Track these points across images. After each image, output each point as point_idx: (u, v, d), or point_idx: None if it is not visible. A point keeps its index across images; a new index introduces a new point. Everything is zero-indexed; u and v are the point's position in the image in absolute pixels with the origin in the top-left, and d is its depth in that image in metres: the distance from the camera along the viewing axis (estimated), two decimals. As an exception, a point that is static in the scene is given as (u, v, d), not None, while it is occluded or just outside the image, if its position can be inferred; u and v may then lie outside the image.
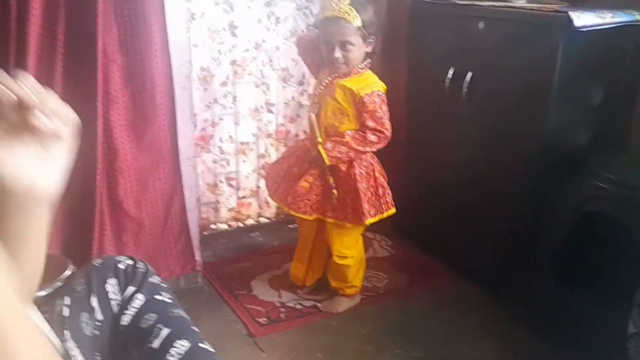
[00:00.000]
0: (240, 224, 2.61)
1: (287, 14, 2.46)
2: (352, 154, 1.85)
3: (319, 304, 2.07)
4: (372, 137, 1.83)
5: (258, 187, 2.62)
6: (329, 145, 1.84)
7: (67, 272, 1.11)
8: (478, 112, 2.14)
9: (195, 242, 2.11)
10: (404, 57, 2.41)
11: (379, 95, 1.83)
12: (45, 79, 1.66)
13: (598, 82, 1.99)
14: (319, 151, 1.84)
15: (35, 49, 1.63)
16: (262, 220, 2.67)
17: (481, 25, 2.09)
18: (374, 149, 1.88)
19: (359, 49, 1.80)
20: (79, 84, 1.71)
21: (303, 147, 1.99)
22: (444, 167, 2.34)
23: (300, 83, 2.58)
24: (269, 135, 2.57)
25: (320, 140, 1.86)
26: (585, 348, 1.74)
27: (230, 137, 2.49)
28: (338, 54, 1.79)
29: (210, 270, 2.25)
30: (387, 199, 1.94)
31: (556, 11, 1.87)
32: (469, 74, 2.13)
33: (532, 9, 1.99)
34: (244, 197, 2.60)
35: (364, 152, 1.87)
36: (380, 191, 1.92)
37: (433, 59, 2.30)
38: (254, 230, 2.61)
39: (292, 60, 2.53)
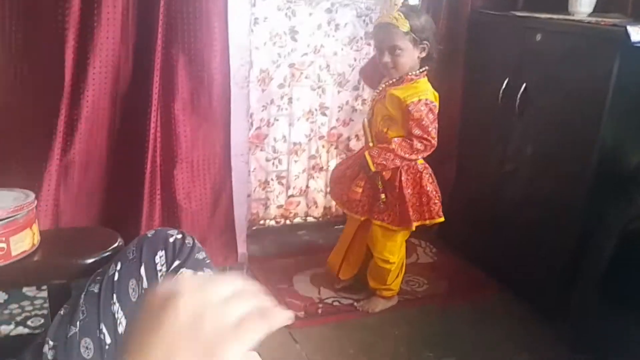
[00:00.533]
0: (288, 222, 2.71)
1: (347, 20, 2.54)
2: (397, 162, 1.88)
3: (356, 303, 2.12)
4: (418, 145, 1.86)
5: (307, 186, 2.71)
6: (374, 152, 1.90)
7: (115, 244, 1.21)
8: (530, 124, 2.13)
9: (242, 236, 2.21)
10: (461, 67, 2.43)
11: (426, 104, 1.84)
12: (115, 74, 1.82)
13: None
14: (365, 157, 1.90)
15: (110, 49, 1.77)
16: (310, 219, 2.75)
17: (538, 37, 2.08)
18: (420, 157, 1.91)
19: (409, 53, 1.84)
20: (143, 78, 1.85)
21: (360, 152, 2.06)
22: (493, 178, 2.33)
23: (356, 88, 2.65)
24: (321, 137, 2.65)
25: (370, 144, 1.93)
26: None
27: (284, 137, 2.59)
28: (387, 58, 1.84)
29: (255, 264, 2.35)
30: (433, 207, 1.95)
31: (614, 25, 1.84)
32: (523, 86, 2.12)
33: (589, 23, 1.97)
34: (292, 195, 2.69)
35: (410, 160, 1.90)
36: (425, 199, 1.94)
37: (489, 71, 2.30)
38: (300, 229, 2.69)
39: (348, 65, 2.60)
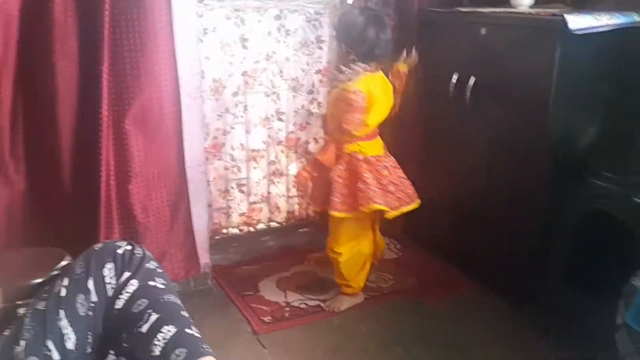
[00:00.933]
0: (251, 229, 2.69)
1: (296, 26, 2.55)
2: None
3: (322, 304, 2.12)
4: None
5: (269, 192, 2.70)
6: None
7: (63, 263, 1.19)
8: (483, 116, 2.17)
9: (204, 247, 2.20)
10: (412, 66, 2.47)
11: (352, 92, 1.92)
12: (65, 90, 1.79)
13: (599, 83, 2.00)
14: None
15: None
16: (273, 224, 2.74)
17: (483, 31, 2.13)
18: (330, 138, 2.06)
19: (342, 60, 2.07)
20: (87, 94, 1.83)
21: None
22: (453, 171, 2.37)
23: (310, 92, 2.66)
24: (279, 143, 2.66)
25: None
26: (592, 345, 1.76)
27: (242, 145, 2.58)
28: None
29: (220, 273, 2.33)
30: (368, 195, 1.93)
31: (553, 15, 1.90)
32: (473, 79, 2.17)
33: (530, 14, 2.03)
34: (254, 202, 2.68)
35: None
36: (361, 187, 1.94)
37: (440, 67, 2.34)
38: (264, 235, 2.68)
39: (301, 70, 2.61)
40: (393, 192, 2.01)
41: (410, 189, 2.08)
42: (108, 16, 1.77)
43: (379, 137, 2.07)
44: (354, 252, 2.07)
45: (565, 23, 1.80)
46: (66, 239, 1.92)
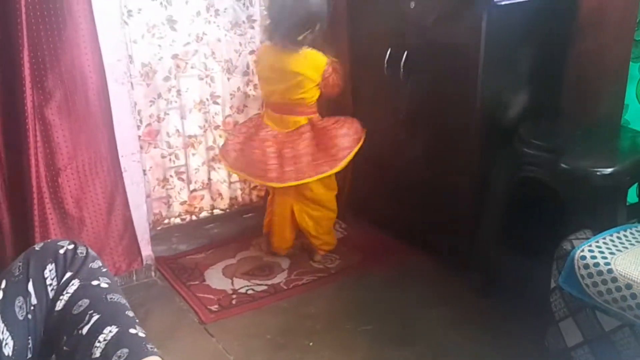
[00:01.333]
0: (194, 217, 2.64)
1: (226, 5, 2.48)
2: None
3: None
4: None
5: (209, 179, 2.65)
6: None
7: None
8: (417, 89, 2.20)
9: (145, 238, 2.14)
10: (345, 41, 2.46)
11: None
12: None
13: (525, 53, 2.06)
14: None
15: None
16: (216, 212, 2.69)
17: (412, 4, 2.14)
18: None
19: None
20: (9, 86, 1.72)
21: None
22: (389, 145, 2.39)
23: (245, 74, 2.61)
24: (216, 127, 2.60)
25: None
26: (522, 304, 1.86)
27: (178, 131, 2.51)
28: None
29: (164, 264, 2.27)
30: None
31: (478, -14, 1.93)
32: (405, 53, 2.18)
33: (456, -14, 2.05)
34: (195, 190, 2.62)
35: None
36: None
37: (373, 42, 2.35)
38: (208, 222, 2.64)
39: (234, 51, 2.55)
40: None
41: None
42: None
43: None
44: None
45: (490, -6, 1.83)
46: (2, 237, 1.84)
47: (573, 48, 2.09)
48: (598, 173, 1.55)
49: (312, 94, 2.16)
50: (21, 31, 1.68)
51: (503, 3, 1.86)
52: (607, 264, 1.39)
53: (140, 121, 2.38)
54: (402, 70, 2.20)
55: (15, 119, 1.78)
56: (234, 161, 2.21)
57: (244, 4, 2.52)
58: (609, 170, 1.55)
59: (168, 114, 2.46)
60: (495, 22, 1.89)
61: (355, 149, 2.17)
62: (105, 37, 1.89)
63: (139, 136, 2.33)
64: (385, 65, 2.26)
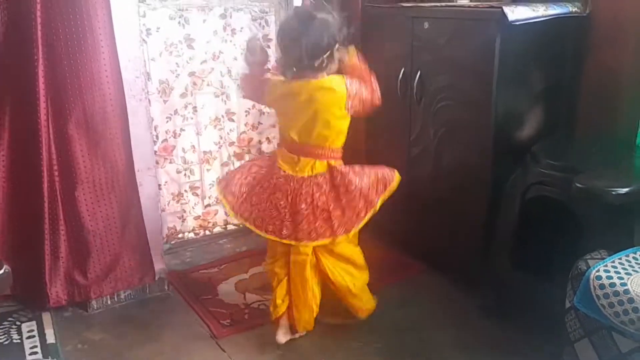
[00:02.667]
0: (208, 232, 2.66)
1: (242, 24, 2.53)
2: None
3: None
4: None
5: (223, 194, 2.67)
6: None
7: (0, 272, 1.13)
8: (429, 107, 2.21)
9: (158, 252, 2.16)
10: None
11: None
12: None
13: (539, 71, 2.07)
14: None
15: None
16: (230, 227, 2.71)
17: (426, 25, 2.17)
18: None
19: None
20: (28, 101, 1.76)
21: None
22: (400, 163, 2.38)
23: (260, 91, 2.64)
24: (231, 144, 2.63)
25: None
26: (535, 325, 1.82)
27: (193, 147, 2.54)
28: None
29: (177, 278, 2.29)
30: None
31: (491, 7, 1.95)
32: (418, 73, 2.20)
33: (469, 7, 2.08)
34: (209, 205, 2.64)
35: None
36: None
37: (386, 62, 2.37)
38: (221, 238, 2.65)
39: (250, 69, 2.59)
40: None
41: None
42: (40, 16, 1.71)
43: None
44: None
45: (504, 14, 1.85)
46: (10, 248, 1.87)
47: (587, 67, 2.10)
48: (613, 192, 1.54)
49: (333, 134, 1.81)
50: (37, 47, 1.73)
51: (517, 23, 1.87)
52: (624, 284, 1.38)
53: (157, 137, 2.41)
54: (414, 89, 2.22)
55: (29, 131, 1.82)
56: (238, 205, 1.87)
57: (259, 24, 2.57)
58: (625, 189, 1.54)
59: (184, 130, 2.50)
60: (509, 42, 1.91)
61: (381, 200, 1.86)
62: (125, 54, 1.94)
63: (155, 151, 2.37)
64: (398, 84, 2.29)
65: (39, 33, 1.73)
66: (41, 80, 1.74)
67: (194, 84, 2.47)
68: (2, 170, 1.80)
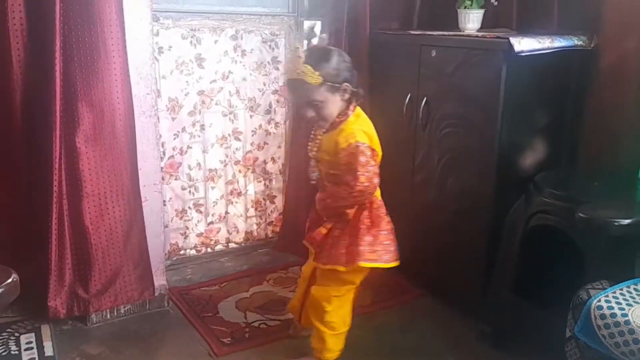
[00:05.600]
0: (210, 249, 2.66)
1: (252, 46, 2.57)
2: (340, 206, 1.73)
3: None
4: (342, 192, 1.69)
5: (227, 212, 2.69)
6: (318, 195, 1.78)
7: (9, 281, 1.14)
8: (434, 134, 2.24)
9: (159, 268, 2.16)
10: (366, 87, 2.52)
11: (356, 146, 1.66)
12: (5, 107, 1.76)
13: (544, 103, 2.10)
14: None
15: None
16: (232, 245, 2.72)
17: (434, 53, 2.21)
18: (346, 204, 1.72)
19: (332, 103, 1.66)
20: (42, 111, 1.79)
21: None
22: (405, 188, 2.42)
23: (267, 112, 2.68)
24: (236, 162, 2.65)
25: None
26: (535, 353, 1.82)
27: (199, 164, 2.56)
28: (311, 113, 1.67)
29: (178, 294, 2.29)
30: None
31: (498, 37, 1.99)
32: (424, 99, 2.24)
33: (477, 37, 2.12)
34: (212, 222, 2.66)
35: (341, 207, 1.73)
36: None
37: (392, 88, 2.41)
38: (223, 255, 2.66)
39: (258, 90, 2.63)
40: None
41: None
42: (58, 32, 1.75)
43: None
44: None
45: (510, 45, 1.89)
46: (17, 258, 1.88)
47: (591, 100, 2.13)
48: (616, 224, 1.55)
49: None
50: (53, 61, 1.76)
51: (523, 54, 1.91)
52: (624, 315, 1.38)
53: (164, 153, 2.44)
54: (420, 115, 2.26)
55: (41, 143, 1.84)
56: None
57: (269, 46, 2.62)
58: (627, 221, 1.56)
59: (191, 148, 2.53)
60: (514, 72, 1.95)
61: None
62: (136, 71, 1.97)
63: (161, 167, 2.39)
64: (404, 110, 2.32)
65: (57, 40, 1.75)
66: (57, 92, 1.77)
67: (203, 102, 2.51)
68: (16, 180, 1.82)
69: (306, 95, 1.64)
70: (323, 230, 1.77)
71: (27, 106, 1.83)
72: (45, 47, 1.77)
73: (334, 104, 1.67)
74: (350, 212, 1.76)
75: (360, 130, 1.70)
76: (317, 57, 1.63)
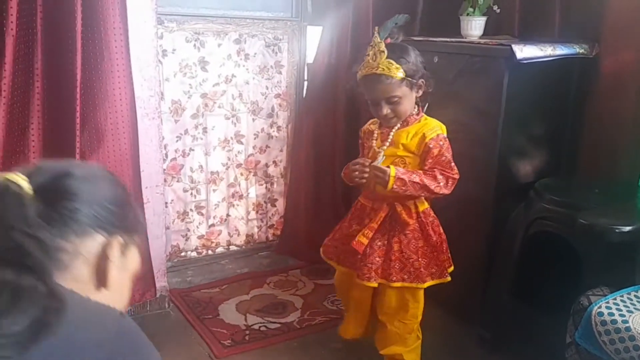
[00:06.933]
0: (210, 252, 2.67)
1: (256, 50, 2.59)
2: (418, 189, 1.63)
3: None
4: (439, 176, 1.66)
5: (228, 215, 2.69)
6: (400, 169, 1.63)
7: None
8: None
9: (161, 269, 2.17)
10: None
11: (445, 138, 1.69)
12: (18, 109, 1.76)
13: (545, 110, 2.12)
14: (384, 170, 1.61)
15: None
16: (232, 248, 2.73)
17: (436, 59, 2.22)
18: (441, 193, 1.68)
19: (408, 99, 1.66)
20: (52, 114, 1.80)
21: (360, 208, 1.80)
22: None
23: (270, 115, 2.69)
24: (238, 165, 2.66)
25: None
26: (535, 359, 1.82)
27: (201, 166, 2.57)
28: (386, 110, 1.64)
29: (178, 296, 2.29)
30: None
31: (500, 44, 2.01)
32: (426, 105, 2.25)
33: (479, 43, 2.14)
34: (213, 225, 2.66)
35: (433, 193, 1.66)
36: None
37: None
38: (223, 258, 2.66)
39: (261, 94, 2.64)
40: None
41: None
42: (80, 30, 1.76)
43: None
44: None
45: (512, 52, 1.91)
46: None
47: (591, 107, 2.15)
48: (617, 230, 1.57)
49: None
50: (76, 62, 1.76)
51: (525, 61, 1.92)
52: (625, 321, 1.39)
53: (166, 155, 2.45)
54: (422, 121, 2.26)
55: (46, 145, 1.85)
56: None
57: (272, 50, 2.63)
58: (628, 228, 1.57)
59: (193, 150, 2.54)
60: (516, 79, 1.96)
61: None
62: (140, 74, 1.98)
63: (164, 169, 2.39)
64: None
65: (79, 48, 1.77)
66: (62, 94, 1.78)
67: (206, 105, 2.52)
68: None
69: (386, 90, 1.62)
70: (364, 240, 1.68)
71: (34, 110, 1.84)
72: (66, 47, 1.77)
73: (410, 100, 1.68)
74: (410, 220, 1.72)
75: (444, 126, 1.73)
76: (398, 52, 1.63)
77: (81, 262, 0.73)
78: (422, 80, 1.69)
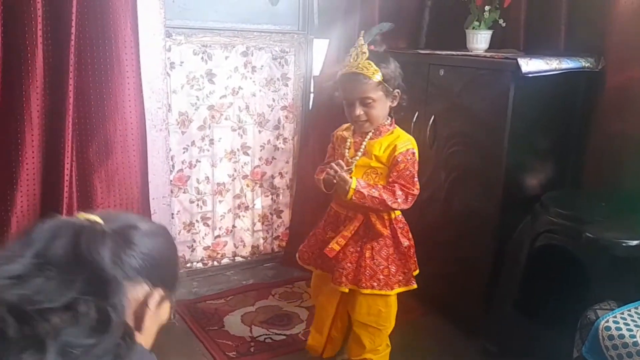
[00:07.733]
0: (216, 263, 2.67)
1: (262, 63, 2.61)
2: (376, 203, 1.66)
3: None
4: (399, 192, 1.69)
5: (234, 226, 2.70)
6: (362, 182, 1.68)
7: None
8: (442, 152, 2.25)
9: (168, 280, 2.16)
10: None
11: (413, 153, 1.73)
12: (27, 118, 1.78)
13: (550, 123, 2.12)
14: (346, 182, 1.64)
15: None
16: (238, 259, 2.73)
17: (442, 72, 2.24)
18: (398, 208, 1.72)
19: (381, 104, 1.69)
20: (56, 123, 1.82)
21: (334, 215, 1.84)
22: (413, 207, 2.42)
23: (276, 127, 2.71)
24: (244, 177, 2.67)
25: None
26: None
27: (207, 178, 2.59)
28: (359, 111, 1.67)
29: (184, 307, 2.29)
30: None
31: (506, 58, 2.02)
32: (432, 117, 2.26)
33: (485, 57, 2.15)
34: (219, 236, 2.67)
35: (389, 208, 1.70)
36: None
37: (400, 105, 2.42)
38: (229, 269, 2.67)
39: (267, 106, 2.66)
40: None
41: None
42: (73, 46, 1.78)
43: None
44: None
45: (518, 66, 1.92)
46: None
47: (597, 121, 2.15)
48: (623, 244, 1.56)
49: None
50: (67, 73, 1.79)
51: (530, 75, 1.93)
52: (633, 336, 1.39)
53: (173, 166, 2.46)
54: (427, 133, 2.27)
55: (53, 155, 1.87)
56: None
57: (279, 63, 2.66)
58: (635, 242, 1.57)
59: (200, 162, 2.55)
60: (522, 93, 1.97)
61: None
62: (148, 86, 2.01)
63: (170, 181, 2.41)
64: (412, 127, 2.34)
65: (71, 56, 1.78)
66: (69, 104, 1.80)
67: (212, 117, 2.54)
68: (26, 193, 1.84)
69: (362, 90, 1.66)
70: (336, 247, 1.73)
71: (42, 121, 1.86)
72: (60, 60, 1.80)
73: (383, 107, 1.71)
74: (382, 228, 1.76)
75: (414, 140, 1.78)
76: (378, 57, 1.68)
77: (126, 305, 0.80)
78: (398, 91, 1.73)
